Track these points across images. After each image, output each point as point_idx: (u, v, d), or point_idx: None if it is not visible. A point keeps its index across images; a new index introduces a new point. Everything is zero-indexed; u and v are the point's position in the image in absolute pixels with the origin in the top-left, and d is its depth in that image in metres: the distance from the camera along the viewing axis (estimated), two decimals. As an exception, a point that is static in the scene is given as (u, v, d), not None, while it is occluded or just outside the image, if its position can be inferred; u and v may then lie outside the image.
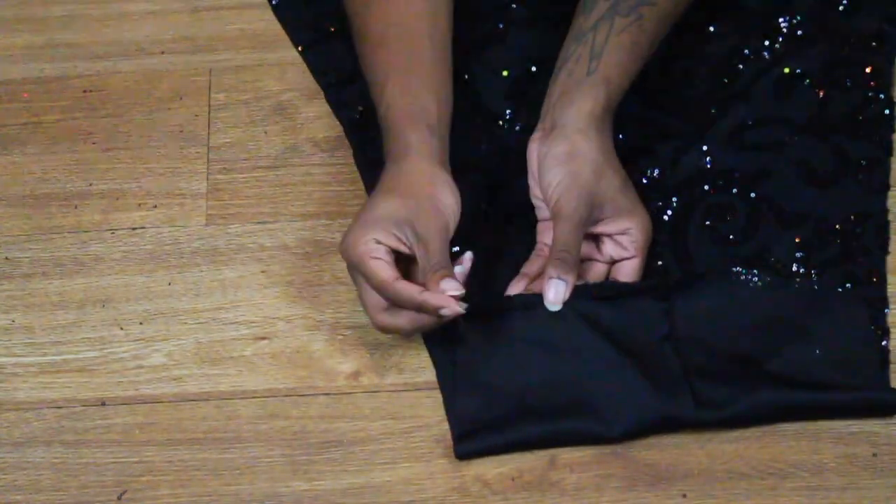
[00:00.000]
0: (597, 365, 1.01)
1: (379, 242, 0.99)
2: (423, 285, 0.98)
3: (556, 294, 1.01)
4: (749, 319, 1.03)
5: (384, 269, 0.98)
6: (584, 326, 1.02)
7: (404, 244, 1.00)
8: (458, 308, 0.97)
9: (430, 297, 0.97)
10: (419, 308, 0.98)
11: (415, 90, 1.06)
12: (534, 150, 1.05)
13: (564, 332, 1.02)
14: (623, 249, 1.05)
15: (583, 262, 1.05)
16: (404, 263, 1.01)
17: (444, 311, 0.97)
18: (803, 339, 1.02)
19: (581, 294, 1.02)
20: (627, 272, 1.05)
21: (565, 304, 1.01)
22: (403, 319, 1.00)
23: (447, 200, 1.02)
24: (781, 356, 1.01)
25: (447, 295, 0.97)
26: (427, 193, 1.01)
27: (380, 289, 0.99)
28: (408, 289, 0.98)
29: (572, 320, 1.02)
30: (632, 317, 1.03)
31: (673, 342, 1.02)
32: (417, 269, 1.00)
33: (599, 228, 1.04)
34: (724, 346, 1.02)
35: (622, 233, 1.04)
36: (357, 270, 1.00)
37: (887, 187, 1.10)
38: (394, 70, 1.06)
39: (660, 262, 1.07)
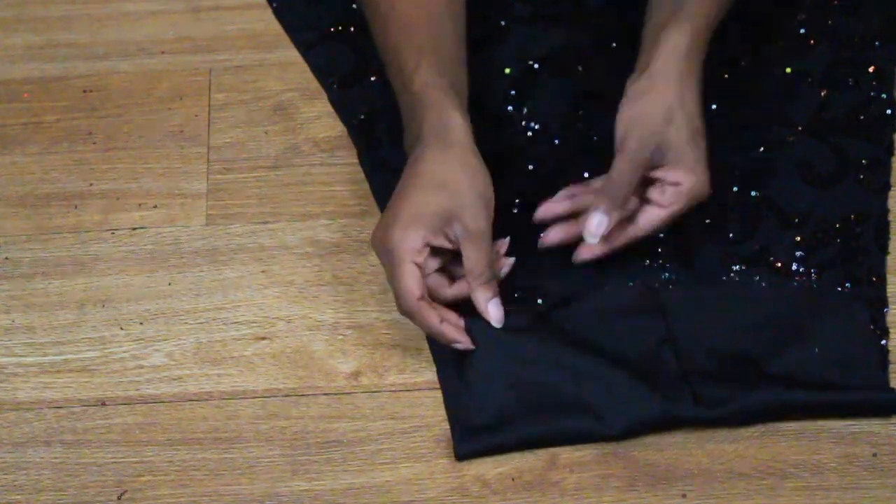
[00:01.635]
0: (596, 365, 1.01)
1: (427, 243, 0.99)
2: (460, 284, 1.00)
3: (597, 227, 1.01)
4: (748, 319, 1.03)
5: (416, 281, 0.98)
6: (583, 328, 1.02)
7: (451, 241, 1.00)
8: (471, 346, 1.01)
9: (448, 331, 1.00)
10: (430, 334, 1.01)
11: (450, 70, 1.05)
12: (626, 88, 1.04)
13: (564, 334, 1.02)
14: (661, 197, 1.02)
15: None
16: (442, 256, 1.01)
17: (458, 346, 1.01)
18: (803, 338, 1.02)
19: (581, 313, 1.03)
20: (647, 219, 1.02)
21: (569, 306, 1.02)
22: (427, 323, 1.00)
23: (489, 192, 1.01)
24: (781, 356, 1.02)
25: (483, 311, 1.00)
26: (473, 184, 1.00)
27: (398, 298, 0.99)
28: (428, 314, 0.99)
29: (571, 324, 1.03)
30: (628, 320, 1.03)
31: (671, 344, 1.02)
32: (455, 264, 1.01)
33: (656, 173, 1.02)
34: (723, 346, 1.02)
35: (673, 184, 1.02)
36: (385, 265, 1.00)
37: (888, 187, 1.10)
38: (427, 50, 1.05)
39: (661, 262, 1.07)
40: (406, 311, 1.00)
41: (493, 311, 1.01)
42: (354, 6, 1.21)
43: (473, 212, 0.99)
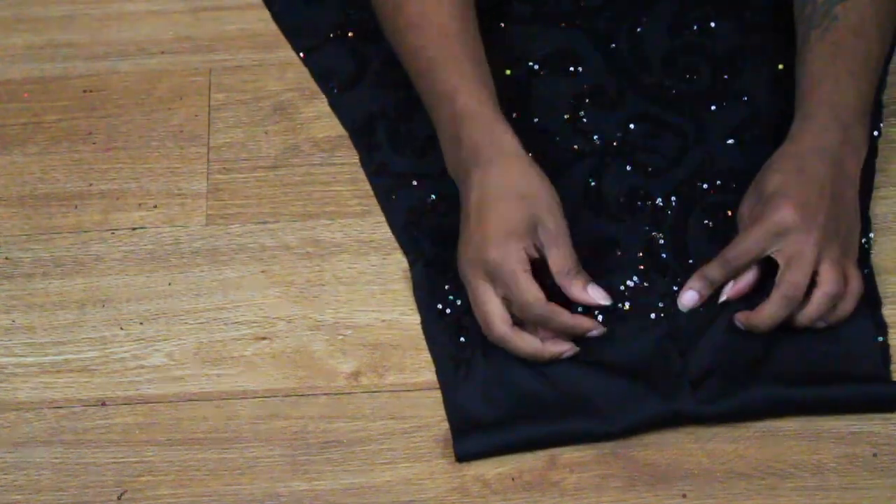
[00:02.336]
0: (597, 364, 1.01)
1: (527, 252, 0.99)
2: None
3: (687, 300, 1.03)
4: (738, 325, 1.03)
5: (538, 288, 0.99)
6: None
7: (538, 250, 1.00)
8: (603, 329, 1.01)
9: (583, 321, 1.01)
10: (567, 330, 1.00)
11: (488, 83, 1.06)
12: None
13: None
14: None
15: None
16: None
17: (593, 333, 1.01)
18: (803, 334, 1.02)
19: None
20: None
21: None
22: (527, 344, 1.00)
23: (557, 196, 1.02)
24: (782, 352, 1.01)
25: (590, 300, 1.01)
26: (546, 188, 1.02)
27: (528, 307, 0.99)
28: (560, 312, 0.99)
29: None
30: (630, 319, 1.03)
31: (674, 340, 1.02)
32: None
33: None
34: (724, 343, 1.02)
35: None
36: (497, 282, 0.99)
37: (871, 188, 1.09)
38: (466, 62, 1.06)
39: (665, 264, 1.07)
40: (536, 318, 1.00)
41: (596, 294, 1.01)
42: (351, 12, 1.21)
43: (553, 214, 1.01)
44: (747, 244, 1.01)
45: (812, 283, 1.00)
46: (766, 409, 1.00)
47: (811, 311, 1.00)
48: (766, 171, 1.03)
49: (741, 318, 1.01)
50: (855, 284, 1.01)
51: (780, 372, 1.01)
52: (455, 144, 1.04)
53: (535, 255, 1.00)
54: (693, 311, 1.04)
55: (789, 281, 0.99)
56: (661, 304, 1.04)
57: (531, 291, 0.99)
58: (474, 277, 1.00)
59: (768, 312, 1.00)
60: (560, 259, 1.00)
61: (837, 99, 1.04)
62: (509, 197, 1.01)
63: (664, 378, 1.01)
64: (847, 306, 1.01)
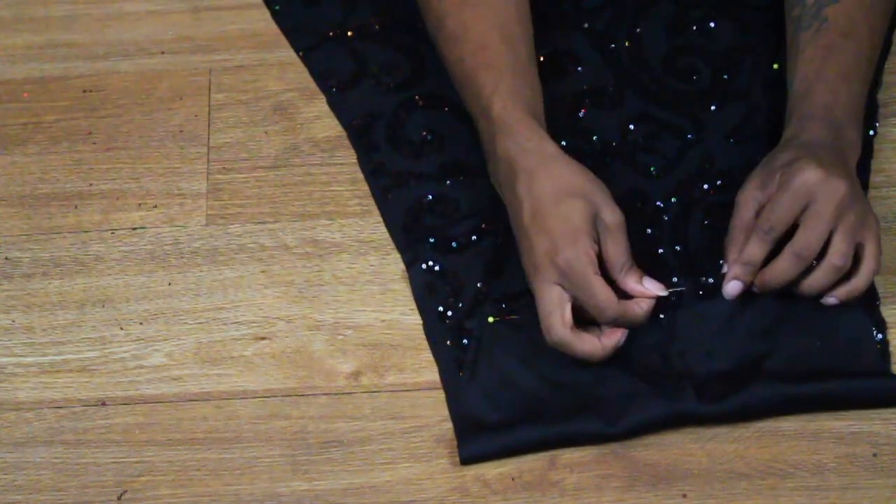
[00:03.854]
0: (599, 365, 1.01)
1: (594, 251, 0.99)
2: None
3: (731, 290, 1.03)
4: (749, 316, 1.03)
5: (608, 290, 0.99)
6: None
7: (596, 244, 1.00)
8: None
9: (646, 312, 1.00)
10: (638, 325, 1.00)
11: (528, 93, 1.05)
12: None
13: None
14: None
15: None
16: None
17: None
18: (804, 332, 1.02)
19: None
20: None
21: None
22: (586, 345, 1.00)
23: (607, 189, 1.02)
24: (782, 350, 1.02)
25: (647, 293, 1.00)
26: (595, 182, 1.01)
27: (602, 311, 0.99)
28: (631, 308, 0.99)
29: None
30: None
31: (675, 341, 1.03)
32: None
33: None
34: (725, 343, 1.02)
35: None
36: (565, 284, 0.99)
37: (865, 186, 1.09)
38: (505, 74, 1.05)
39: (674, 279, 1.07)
40: (608, 321, 0.99)
41: (653, 286, 1.01)
42: (351, 12, 1.21)
43: (608, 207, 1.00)
44: (780, 212, 1.00)
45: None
46: (768, 407, 1.00)
47: (814, 279, 1.00)
48: (773, 155, 1.03)
49: (756, 281, 1.02)
50: (871, 263, 1.01)
51: (781, 370, 1.01)
52: (493, 159, 1.04)
53: (597, 249, 1.00)
54: (691, 312, 1.04)
55: (802, 239, 0.99)
56: (661, 305, 1.04)
57: (603, 293, 0.98)
58: (544, 283, 1.00)
59: (779, 269, 1.00)
60: (617, 253, 1.00)
61: (830, 101, 1.04)
62: (564, 197, 1.00)
63: (667, 379, 1.01)
64: (860, 283, 1.01)
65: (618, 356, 1.02)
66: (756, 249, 1.01)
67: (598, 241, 1.00)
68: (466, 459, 1.00)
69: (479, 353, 1.03)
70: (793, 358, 1.02)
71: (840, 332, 1.02)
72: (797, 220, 1.00)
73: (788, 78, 1.08)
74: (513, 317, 1.05)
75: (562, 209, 1.00)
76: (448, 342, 1.04)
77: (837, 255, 0.99)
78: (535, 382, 1.02)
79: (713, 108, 1.14)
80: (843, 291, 1.01)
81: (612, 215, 1.00)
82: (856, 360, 1.02)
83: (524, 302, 1.05)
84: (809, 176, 0.99)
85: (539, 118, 1.05)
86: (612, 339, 1.00)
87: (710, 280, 1.05)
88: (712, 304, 1.04)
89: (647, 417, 1.00)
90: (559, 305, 0.99)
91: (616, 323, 1.00)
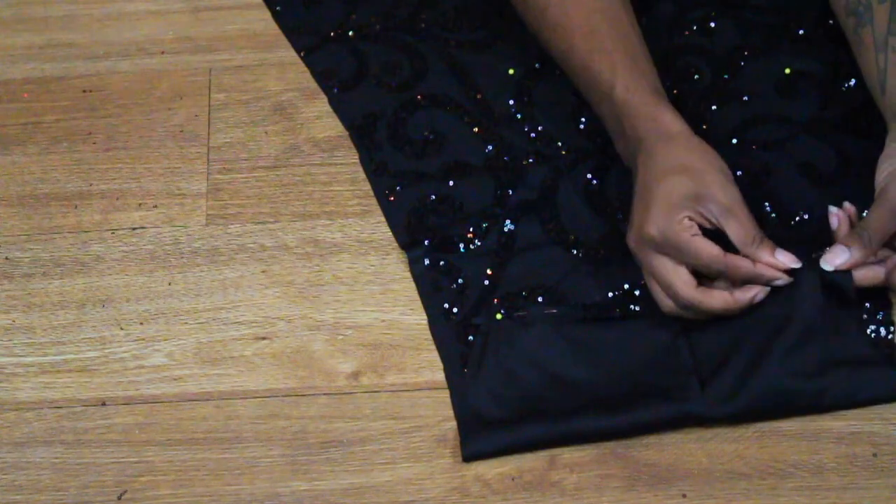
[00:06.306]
0: (605, 363, 1.01)
1: (691, 220, 0.99)
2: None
3: (832, 257, 1.01)
4: (755, 317, 1.03)
5: (711, 245, 0.98)
6: (595, 327, 1.03)
7: (709, 221, 0.99)
8: (788, 278, 1.00)
9: (766, 270, 0.99)
10: (752, 279, 0.99)
11: (645, 69, 1.05)
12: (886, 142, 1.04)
13: (574, 332, 1.02)
14: None
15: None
16: None
17: (778, 282, 1.00)
18: (805, 331, 1.02)
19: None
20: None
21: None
22: (717, 301, 1.00)
23: (726, 166, 1.01)
24: (786, 348, 1.01)
25: (780, 265, 0.99)
26: (710, 161, 1.01)
27: (710, 264, 0.98)
28: (744, 262, 0.99)
29: (584, 323, 1.03)
30: (640, 318, 1.03)
31: (686, 336, 1.02)
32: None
33: None
34: (734, 342, 1.02)
35: None
36: (670, 253, 0.99)
37: None
38: (618, 55, 1.05)
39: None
40: (718, 274, 0.99)
41: (786, 258, 1.00)
42: (352, 12, 1.21)
43: (721, 186, 1.00)
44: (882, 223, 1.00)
45: None
46: (772, 407, 1.00)
47: None
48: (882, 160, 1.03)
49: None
50: None
51: (784, 367, 1.00)
52: (621, 138, 1.05)
53: (707, 224, 0.99)
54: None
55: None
56: None
57: (705, 249, 0.98)
58: (645, 256, 1.00)
59: (876, 218, 1.00)
60: (740, 229, 0.99)
61: None
62: (670, 173, 1.00)
63: (674, 378, 1.01)
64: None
65: (627, 355, 1.02)
66: (876, 237, 1.00)
67: (709, 220, 0.99)
68: (469, 456, 1.00)
69: (486, 351, 1.03)
70: (795, 357, 1.01)
71: (840, 330, 1.02)
72: None
73: (872, 79, 1.06)
74: (521, 314, 1.05)
75: (663, 185, 1.00)
76: (453, 340, 1.04)
77: None
78: (541, 380, 1.02)
79: (713, 108, 1.14)
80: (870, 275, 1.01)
81: (725, 194, 1.00)
82: (856, 358, 1.01)
83: (531, 299, 1.05)
84: None
85: (660, 93, 1.05)
86: (748, 294, 1.00)
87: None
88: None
89: (653, 417, 1.00)
90: (673, 271, 0.99)
91: (733, 278, 1.00)
